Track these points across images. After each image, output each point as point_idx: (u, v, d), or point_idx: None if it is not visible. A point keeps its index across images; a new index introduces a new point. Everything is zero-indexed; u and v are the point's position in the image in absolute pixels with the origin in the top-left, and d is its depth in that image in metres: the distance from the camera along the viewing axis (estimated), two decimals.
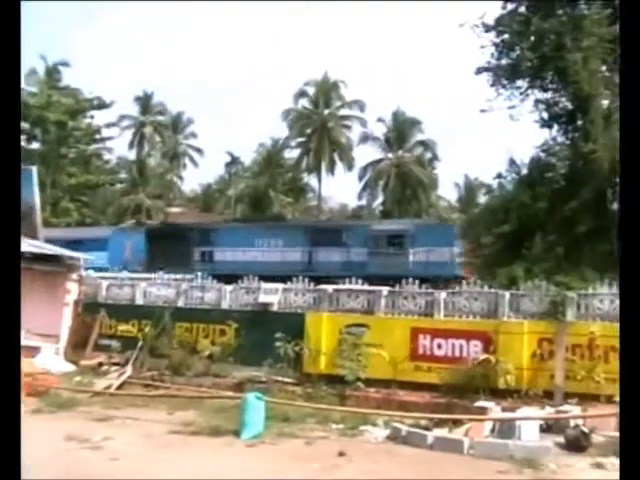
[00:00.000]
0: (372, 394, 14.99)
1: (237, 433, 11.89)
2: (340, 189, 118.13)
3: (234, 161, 72.09)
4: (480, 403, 13.38)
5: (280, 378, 15.87)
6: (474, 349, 15.25)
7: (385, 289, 17.37)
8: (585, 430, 11.68)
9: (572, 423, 12.07)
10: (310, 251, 33.46)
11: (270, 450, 11.17)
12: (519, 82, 28.12)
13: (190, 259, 34.45)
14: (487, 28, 28.04)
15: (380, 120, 64.70)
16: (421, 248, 30.29)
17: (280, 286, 18.27)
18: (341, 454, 10.84)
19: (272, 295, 17.97)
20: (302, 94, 66.40)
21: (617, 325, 15.04)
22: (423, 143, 65.69)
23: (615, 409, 12.69)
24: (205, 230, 36.74)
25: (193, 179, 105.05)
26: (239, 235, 35.25)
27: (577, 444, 11.43)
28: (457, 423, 12.34)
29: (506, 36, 27.81)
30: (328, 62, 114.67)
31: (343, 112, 66.93)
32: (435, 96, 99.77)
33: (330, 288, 17.88)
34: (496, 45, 27.98)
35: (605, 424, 12.30)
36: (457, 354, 15.39)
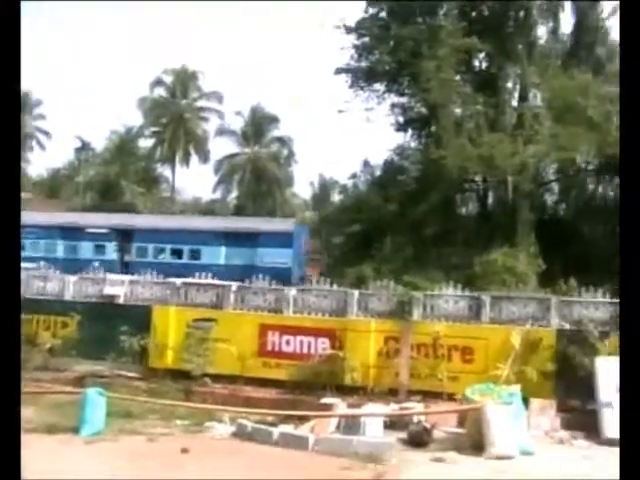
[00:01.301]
0: (219, 390, 14.75)
1: (76, 430, 11.36)
2: (195, 181, 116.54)
3: (84, 147, 69.37)
4: (326, 399, 13.43)
5: (124, 372, 15.36)
6: (322, 346, 15.33)
7: (235, 284, 17.17)
8: (427, 426, 12.00)
9: (415, 419, 12.32)
10: None
11: (110, 447, 10.75)
12: (377, 85, 28.73)
13: None
14: (348, 30, 28.39)
15: (238, 114, 64.31)
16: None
17: (126, 278, 17.68)
18: (184, 451, 10.57)
19: (118, 287, 17.36)
20: (159, 82, 64.87)
21: (460, 325, 15.64)
22: (280, 140, 65.84)
23: (456, 406, 13.15)
24: None
25: (40, 163, 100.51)
26: None
27: (419, 440, 11.73)
28: (303, 419, 12.33)
29: (366, 39, 28.28)
30: (187, 52, 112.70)
31: (200, 103, 66.07)
32: (294, 94, 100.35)
33: (179, 281, 17.48)
34: (356, 47, 28.42)
35: (446, 420, 12.67)
36: (305, 351, 15.42)
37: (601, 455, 11.80)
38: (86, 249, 39.88)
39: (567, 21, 29.41)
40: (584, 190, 27.03)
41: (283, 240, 33.33)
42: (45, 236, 38.76)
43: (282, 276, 25.16)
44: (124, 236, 40.65)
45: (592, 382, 13.77)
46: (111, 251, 40.38)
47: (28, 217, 28.93)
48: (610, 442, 12.41)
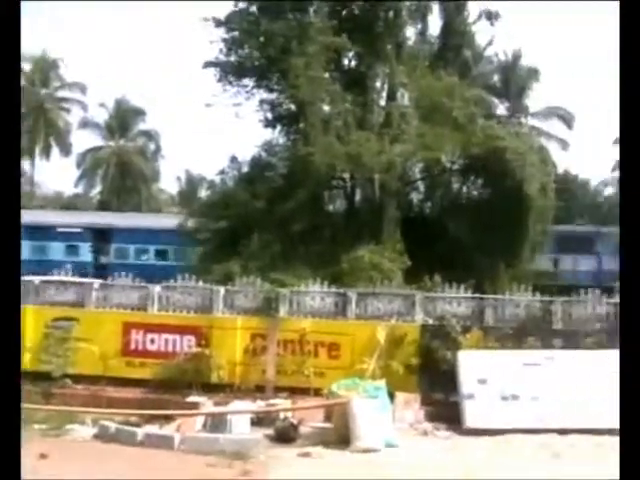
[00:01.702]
0: (80, 391, 14.25)
1: None
2: (56, 175, 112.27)
3: None
4: (192, 398, 13.20)
5: None
6: (188, 344, 15.08)
7: (97, 282, 16.62)
8: (294, 422, 12.01)
9: (282, 416, 12.27)
10: None
11: None
12: (246, 80, 28.44)
13: None
14: (217, 23, 28.02)
15: (102, 106, 62.31)
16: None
17: None
18: (42, 456, 10.02)
19: None
20: None
21: (326, 321, 15.74)
22: (146, 133, 64.37)
23: (323, 401, 13.19)
24: None
25: None
26: None
27: (286, 435, 11.74)
28: (169, 419, 12.05)
29: (235, 34, 27.97)
30: (49, 39, 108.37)
31: (62, 94, 63.50)
32: (161, 87, 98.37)
33: (36, 279, 16.68)
34: (225, 41, 28.04)
35: (313, 415, 12.69)
36: (170, 349, 15.13)
37: (463, 444, 12.24)
38: (56, 250, 36.97)
39: (435, 23, 30.23)
40: (449, 189, 27.81)
41: None
42: None
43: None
44: (100, 236, 37.97)
45: (454, 375, 14.18)
46: (85, 252, 37.49)
47: None
48: (471, 432, 12.86)
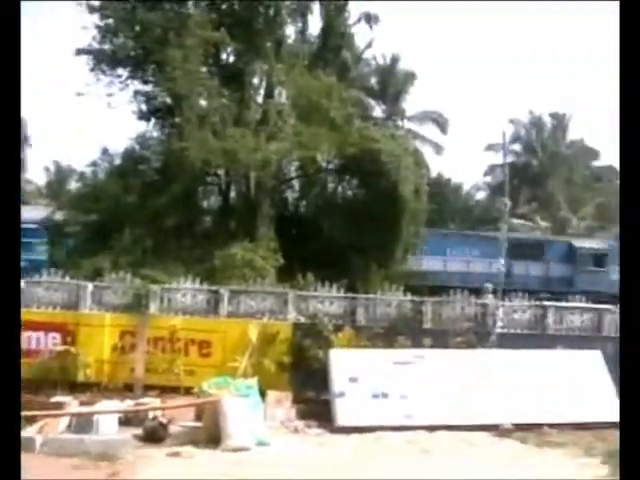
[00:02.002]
0: None
1: None
2: None
3: None
4: (57, 398, 12.67)
5: None
6: (53, 342, 14.55)
7: None
8: (163, 421, 11.76)
9: (151, 415, 11.97)
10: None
11: None
12: (120, 70, 27.54)
13: None
14: (91, 9, 27.03)
15: None
16: None
17: None
18: None
19: None
20: None
21: (198, 319, 15.51)
22: None
23: (193, 400, 12.96)
24: None
25: None
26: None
27: (155, 435, 11.51)
28: (31, 420, 11.46)
29: (110, 21, 27.06)
30: None
31: None
32: (29, 73, 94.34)
33: None
34: (99, 28, 27.09)
35: (183, 414, 12.47)
36: (34, 347, 14.53)
37: (333, 442, 12.31)
38: None
39: (316, 23, 30.37)
40: (324, 189, 27.96)
41: None
42: None
43: None
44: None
45: (326, 373, 14.27)
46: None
47: None
48: (342, 430, 12.96)
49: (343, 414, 13.45)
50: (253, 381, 13.02)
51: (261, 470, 10.20)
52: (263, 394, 13.15)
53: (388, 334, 15.93)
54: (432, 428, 13.14)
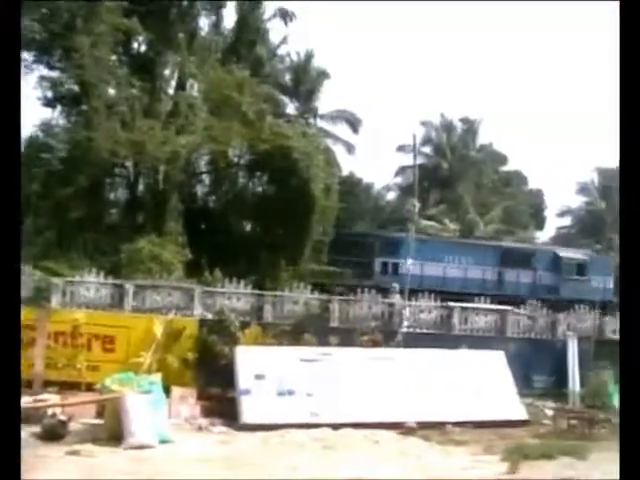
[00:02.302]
0: None
1: None
2: None
3: None
4: None
5: None
6: None
7: None
8: (63, 418, 11.41)
9: (50, 412, 11.57)
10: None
11: None
12: (24, 54, 26.62)
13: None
14: None
15: None
16: None
17: None
18: None
19: None
20: None
21: (102, 313, 15.13)
22: None
23: (94, 396, 12.60)
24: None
25: None
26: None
27: (54, 433, 11.18)
28: None
29: None
30: None
31: None
32: None
33: None
34: None
35: (85, 411, 12.15)
36: None
37: (237, 439, 12.21)
38: None
39: (230, 17, 30.09)
40: (235, 184, 27.68)
41: None
42: None
43: None
44: None
45: (232, 370, 14.12)
46: None
47: None
48: (247, 427, 12.86)
49: (248, 411, 13.33)
50: (157, 377, 12.77)
51: (164, 468, 9.98)
52: (167, 391, 12.90)
53: (295, 332, 15.90)
54: (337, 426, 13.17)
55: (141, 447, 10.89)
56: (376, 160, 52.88)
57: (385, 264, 31.81)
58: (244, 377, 13.91)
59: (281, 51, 41.67)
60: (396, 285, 19.44)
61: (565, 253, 37.06)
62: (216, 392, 14.33)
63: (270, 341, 15.49)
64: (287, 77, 44.28)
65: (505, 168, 56.48)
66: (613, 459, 11.92)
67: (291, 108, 43.35)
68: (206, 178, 28.56)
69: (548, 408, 16.52)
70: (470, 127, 53.10)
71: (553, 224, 59.93)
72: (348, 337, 16.32)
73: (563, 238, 55.91)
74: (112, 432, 11.25)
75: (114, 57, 25.82)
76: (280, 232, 23.69)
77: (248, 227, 25.70)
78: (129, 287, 16.08)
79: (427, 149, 51.64)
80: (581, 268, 35.71)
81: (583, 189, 56.91)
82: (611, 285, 35.45)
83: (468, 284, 31.17)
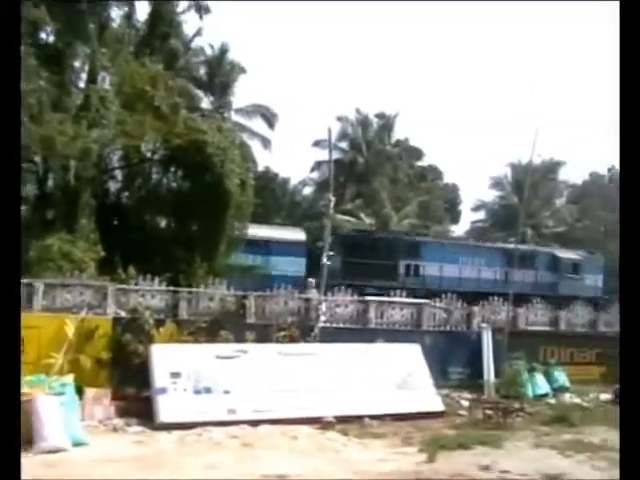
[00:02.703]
0: None
1: None
2: None
3: None
4: None
5: None
6: None
7: None
8: None
9: None
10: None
11: None
12: None
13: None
14: None
15: None
16: None
17: None
18: None
19: None
20: None
21: None
22: None
23: None
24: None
25: None
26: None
27: None
28: None
29: None
30: None
31: None
32: None
33: None
34: None
35: None
36: None
37: (154, 439, 12.03)
38: None
39: (143, 9, 29.48)
40: (148, 179, 27.10)
41: None
42: None
43: None
44: None
45: (147, 369, 13.87)
46: None
47: None
48: (163, 426, 12.65)
49: (165, 411, 13.12)
50: (69, 379, 12.42)
51: (78, 471, 9.75)
52: (80, 392, 12.58)
53: (211, 328, 15.74)
54: (255, 422, 13.10)
55: (53, 451, 10.61)
56: (292, 155, 52.95)
57: (408, 266, 34.60)
58: (160, 376, 13.67)
59: (195, 44, 41.31)
60: (312, 280, 19.45)
61: (563, 254, 40.45)
62: (131, 392, 14.04)
63: (186, 338, 15.29)
64: (202, 71, 43.82)
65: (421, 163, 57.36)
66: (527, 447, 12.38)
67: (206, 102, 42.95)
68: (119, 173, 27.87)
69: (464, 399, 16.87)
70: (386, 122, 53.68)
71: (468, 218, 61.30)
72: (265, 333, 16.26)
73: (477, 232, 57.24)
74: (23, 436, 10.88)
75: (21, 47, 24.89)
76: (195, 228, 23.37)
77: (162, 223, 25.20)
78: (39, 286, 15.61)
79: (343, 144, 51.94)
80: (576, 267, 39.40)
81: (497, 183, 58.34)
82: (600, 283, 39.40)
83: (482, 284, 33.67)
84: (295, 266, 31.02)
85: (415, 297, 21.18)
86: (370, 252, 33.45)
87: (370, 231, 39.71)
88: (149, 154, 26.31)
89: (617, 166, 49.82)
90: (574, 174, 65.78)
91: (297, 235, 34.75)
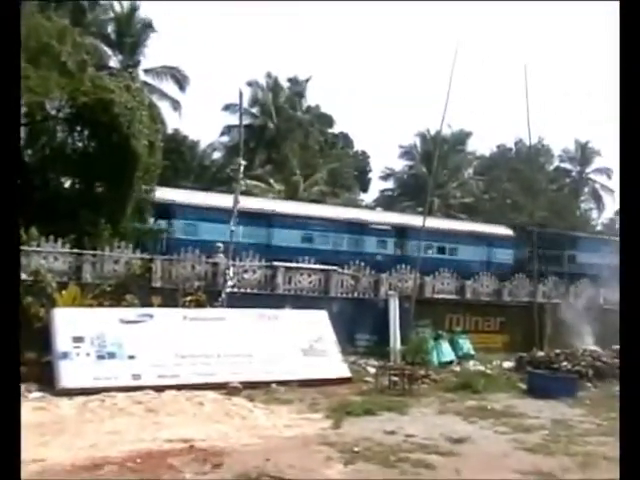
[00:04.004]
0: None
1: None
2: None
3: None
4: None
5: None
6: None
7: None
8: None
9: None
10: None
11: None
12: None
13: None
14: None
15: None
16: None
17: None
18: None
19: None
20: None
21: None
22: None
23: None
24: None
25: None
26: None
27: None
28: None
29: None
30: None
31: None
32: None
33: None
34: None
35: None
36: None
37: (55, 405, 11.81)
38: None
39: None
40: (53, 138, 26.08)
41: None
42: None
43: None
44: None
45: (49, 333, 13.52)
46: None
47: None
48: (66, 392, 12.37)
49: (67, 376, 12.84)
50: None
51: None
52: None
53: (116, 292, 15.46)
54: (161, 388, 12.96)
55: None
56: (203, 119, 52.15)
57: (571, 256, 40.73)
58: (62, 340, 13.36)
59: (104, 1, 40.03)
60: (220, 244, 19.26)
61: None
62: (32, 357, 13.63)
63: (90, 302, 14.97)
64: (110, 28, 42.45)
65: (331, 130, 57.42)
66: (432, 413, 12.69)
67: (115, 61, 41.75)
68: (22, 130, 26.81)
69: (370, 366, 17.12)
70: (298, 88, 53.40)
71: (377, 187, 61.93)
72: (171, 297, 16.07)
73: (386, 201, 57.94)
74: None
75: None
76: (101, 189, 22.73)
77: (67, 183, 24.35)
78: None
79: (254, 110, 51.46)
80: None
81: (406, 153, 59.03)
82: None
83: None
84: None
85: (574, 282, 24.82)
86: (548, 244, 36.77)
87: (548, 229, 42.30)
88: (54, 112, 25.31)
89: (525, 139, 51.06)
90: (482, 146, 67.29)
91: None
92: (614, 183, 62.52)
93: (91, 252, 17.06)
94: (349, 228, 34.37)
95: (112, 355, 13.54)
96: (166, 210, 29.03)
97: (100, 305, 14.95)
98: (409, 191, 55.81)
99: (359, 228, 34.67)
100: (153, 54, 43.43)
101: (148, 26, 42.35)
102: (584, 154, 64.19)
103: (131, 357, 13.63)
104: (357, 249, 32.69)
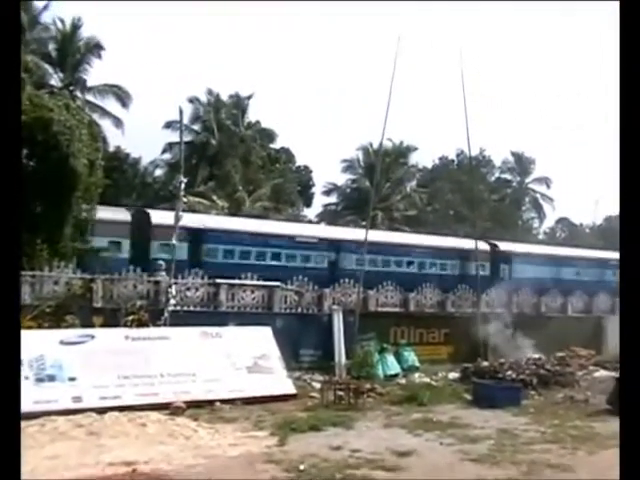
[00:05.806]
0: None
1: None
2: None
3: None
4: None
5: None
6: None
7: None
8: None
9: None
10: None
11: None
12: None
13: None
14: None
15: None
16: None
17: None
18: None
19: None
20: None
21: None
22: None
23: None
24: None
25: None
26: None
27: None
28: None
29: None
30: None
31: None
32: None
33: None
34: None
35: None
36: None
37: None
38: None
39: None
40: None
41: None
42: None
43: None
44: None
45: None
46: None
47: None
48: None
49: None
50: None
51: None
52: None
53: (56, 313, 15.22)
54: (102, 410, 12.74)
55: None
56: (145, 136, 51.60)
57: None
58: None
59: (45, 19, 39.54)
60: (162, 262, 19.08)
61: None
62: None
63: (28, 324, 14.65)
64: (52, 47, 41.93)
65: (273, 145, 57.41)
66: (378, 427, 12.73)
67: (56, 80, 41.19)
68: None
69: (315, 381, 17.13)
70: (239, 104, 53.31)
71: (321, 201, 62.00)
72: (113, 317, 15.87)
73: (329, 215, 58.07)
74: None
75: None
76: (39, 209, 22.36)
77: None
78: None
79: (196, 126, 51.22)
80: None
81: (349, 167, 59.28)
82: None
83: None
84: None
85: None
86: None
87: None
88: None
89: (466, 150, 51.81)
90: (424, 158, 67.97)
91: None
92: (554, 192, 64.01)
93: (30, 273, 16.74)
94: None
95: (52, 378, 13.29)
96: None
97: (39, 327, 14.66)
98: (352, 205, 55.96)
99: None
100: (96, 72, 42.86)
101: (91, 45, 41.96)
102: (521, 164, 65.33)
103: (72, 379, 13.40)
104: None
